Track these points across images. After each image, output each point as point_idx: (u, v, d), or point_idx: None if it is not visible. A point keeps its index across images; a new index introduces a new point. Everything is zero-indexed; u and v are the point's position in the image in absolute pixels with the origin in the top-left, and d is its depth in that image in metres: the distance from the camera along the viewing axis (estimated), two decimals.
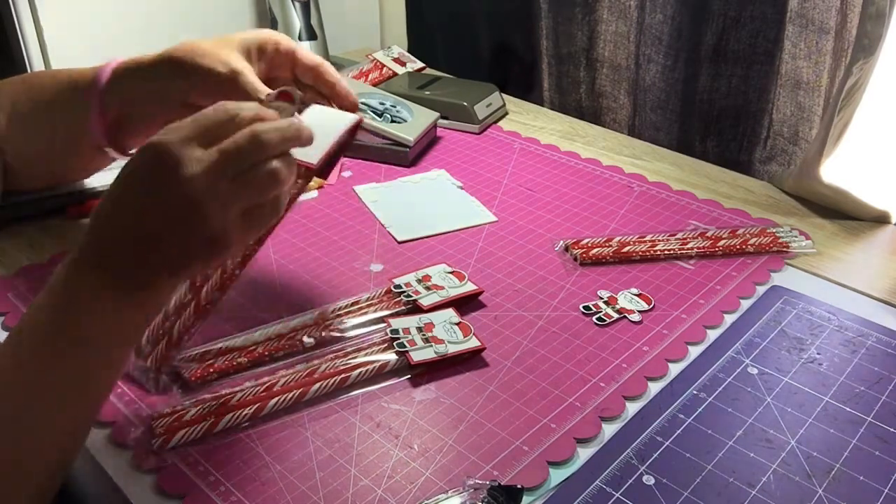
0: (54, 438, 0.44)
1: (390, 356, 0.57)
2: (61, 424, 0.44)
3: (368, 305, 0.64)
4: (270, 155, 0.46)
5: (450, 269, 0.67)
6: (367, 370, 0.56)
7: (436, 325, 0.60)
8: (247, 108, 0.47)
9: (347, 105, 0.63)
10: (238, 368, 0.57)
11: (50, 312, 0.45)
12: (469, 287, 0.65)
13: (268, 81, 0.62)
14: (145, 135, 0.68)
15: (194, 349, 0.58)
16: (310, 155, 0.51)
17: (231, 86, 0.60)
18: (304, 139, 0.49)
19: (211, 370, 0.56)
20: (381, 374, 0.56)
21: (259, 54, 0.64)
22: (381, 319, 0.61)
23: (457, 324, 0.60)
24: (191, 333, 0.56)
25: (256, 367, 0.57)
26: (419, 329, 0.59)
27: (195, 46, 0.62)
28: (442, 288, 0.65)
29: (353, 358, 0.57)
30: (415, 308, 0.63)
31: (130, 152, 0.70)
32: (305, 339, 0.59)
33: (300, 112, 0.54)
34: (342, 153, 0.59)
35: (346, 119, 0.56)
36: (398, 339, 0.58)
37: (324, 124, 0.53)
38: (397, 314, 0.62)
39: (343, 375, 0.55)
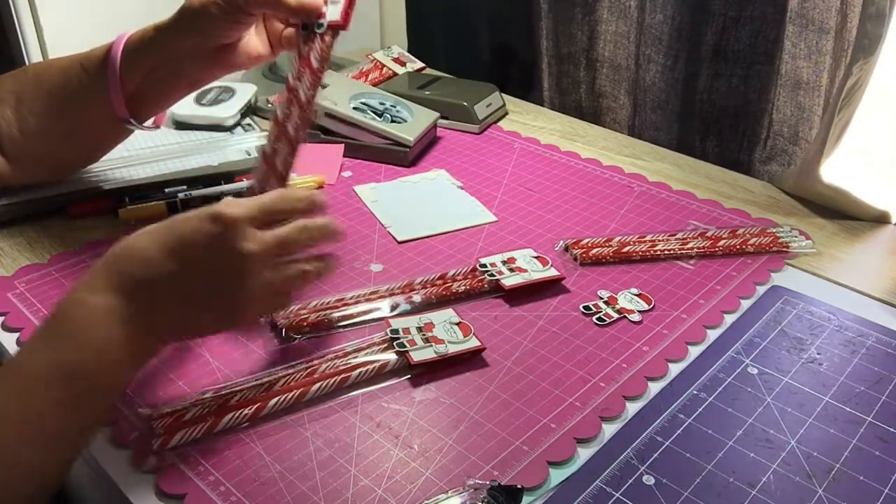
0: (35, 469, 0.44)
1: (390, 356, 0.57)
2: (48, 454, 0.45)
3: (454, 280, 0.66)
4: (312, 247, 0.54)
5: (535, 254, 0.69)
6: (367, 370, 0.56)
7: (436, 325, 0.60)
8: (304, 201, 0.53)
9: None
10: (329, 325, 0.61)
11: (56, 341, 0.46)
12: (552, 272, 0.67)
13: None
14: (167, 103, 0.71)
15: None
16: (332, 13, 0.63)
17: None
18: (338, 237, 0.55)
19: (304, 324, 0.60)
20: (381, 374, 0.56)
21: None
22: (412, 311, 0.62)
23: (457, 324, 0.60)
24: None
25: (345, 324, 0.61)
26: (419, 329, 0.59)
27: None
28: (525, 271, 0.66)
29: (353, 358, 0.57)
30: (496, 288, 0.66)
31: (147, 124, 0.72)
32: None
33: None
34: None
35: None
36: (398, 339, 0.58)
37: None
38: (480, 294, 0.66)
39: (343, 376, 0.55)
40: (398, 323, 0.60)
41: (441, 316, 0.61)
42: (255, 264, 0.49)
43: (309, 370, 0.56)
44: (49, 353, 0.45)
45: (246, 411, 0.52)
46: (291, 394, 0.54)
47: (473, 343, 0.58)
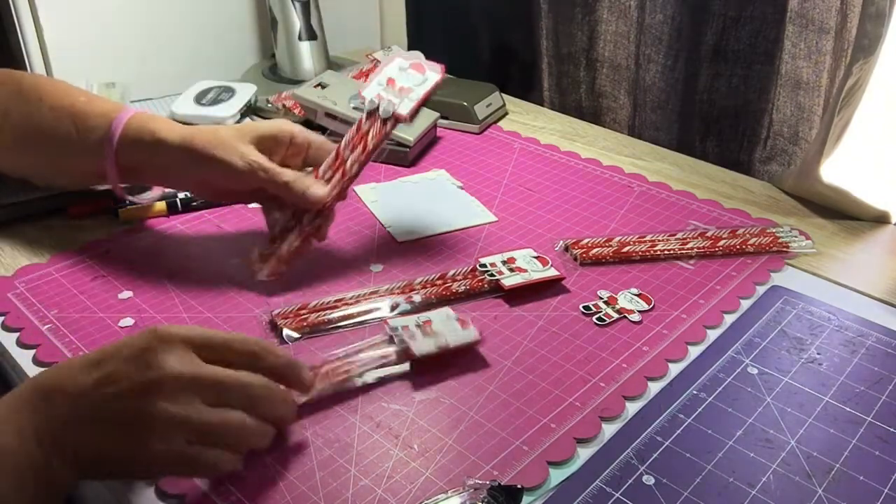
0: None
1: (389, 350, 0.57)
2: None
3: (454, 280, 0.66)
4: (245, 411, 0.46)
5: (535, 254, 0.69)
6: (367, 364, 0.56)
7: (434, 321, 0.60)
8: (265, 354, 0.48)
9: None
10: (328, 324, 0.61)
11: None
12: (551, 272, 0.67)
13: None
14: (160, 186, 0.71)
15: (288, 306, 0.63)
16: (402, 107, 0.68)
17: (250, 177, 0.63)
18: (284, 420, 0.50)
19: (304, 324, 0.60)
20: (381, 367, 0.57)
21: (274, 145, 0.66)
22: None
23: (455, 319, 0.60)
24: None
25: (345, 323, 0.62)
26: (418, 326, 0.59)
27: (212, 138, 0.64)
28: (525, 271, 0.66)
29: (355, 354, 0.57)
30: (496, 288, 0.65)
31: (141, 196, 0.72)
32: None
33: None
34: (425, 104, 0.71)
35: (433, 77, 0.71)
36: (398, 335, 0.58)
37: (411, 79, 0.70)
38: (480, 294, 0.65)
39: (343, 377, 0.55)
40: (397, 321, 0.60)
41: (438, 314, 0.61)
42: (170, 388, 0.43)
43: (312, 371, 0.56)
44: None
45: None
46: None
47: (472, 334, 0.58)
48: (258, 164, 0.63)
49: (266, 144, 0.65)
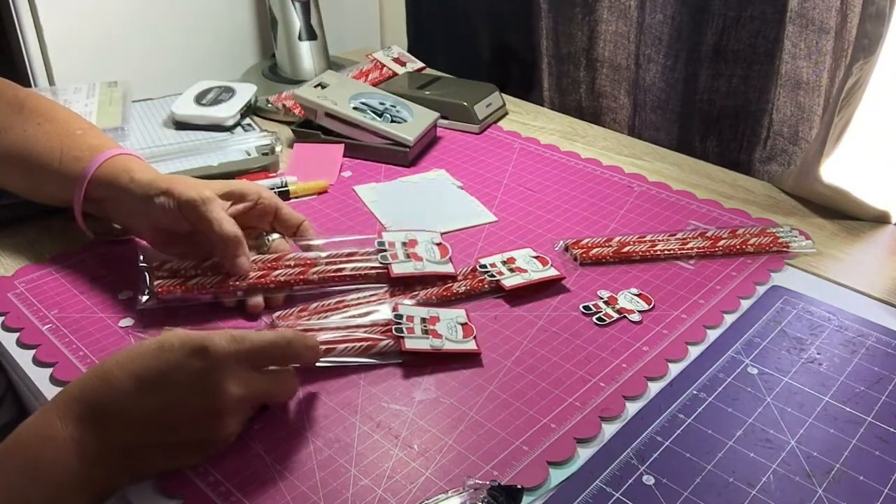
0: None
1: (384, 338, 0.58)
2: None
3: (454, 281, 0.66)
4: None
5: (535, 254, 0.69)
6: (355, 346, 0.57)
7: (441, 320, 0.60)
8: (306, 351, 0.52)
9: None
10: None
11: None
12: (551, 272, 0.67)
13: (245, 229, 0.64)
14: (120, 225, 0.70)
15: (289, 309, 0.63)
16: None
17: (196, 213, 0.61)
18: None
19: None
20: (370, 353, 0.57)
21: (240, 199, 0.65)
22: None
23: (462, 324, 0.60)
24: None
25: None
26: (423, 320, 0.59)
27: (180, 179, 0.63)
28: (525, 271, 0.67)
29: (353, 332, 0.58)
30: (497, 288, 0.66)
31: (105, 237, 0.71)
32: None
33: None
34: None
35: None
36: (399, 324, 0.58)
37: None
38: (480, 294, 0.66)
39: (329, 347, 0.56)
40: (406, 309, 0.60)
41: (449, 313, 0.61)
42: (232, 409, 0.47)
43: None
44: (2, 486, 0.42)
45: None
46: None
47: (470, 345, 0.58)
48: (210, 200, 0.61)
49: (233, 197, 0.65)
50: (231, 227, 0.62)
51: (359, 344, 0.57)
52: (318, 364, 0.55)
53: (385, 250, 0.66)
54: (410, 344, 0.57)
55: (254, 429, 0.52)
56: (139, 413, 0.45)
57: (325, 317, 0.61)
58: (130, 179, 0.64)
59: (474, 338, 0.59)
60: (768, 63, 0.87)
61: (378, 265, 0.66)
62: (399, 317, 0.59)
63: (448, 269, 0.67)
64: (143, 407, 0.45)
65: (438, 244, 0.68)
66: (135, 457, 0.46)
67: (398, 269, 0.65)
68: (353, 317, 0.61)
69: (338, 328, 0.58)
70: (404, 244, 0.67)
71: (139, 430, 0.45)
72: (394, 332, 0.58)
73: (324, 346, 0.55)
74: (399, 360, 0.58)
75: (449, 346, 0.58)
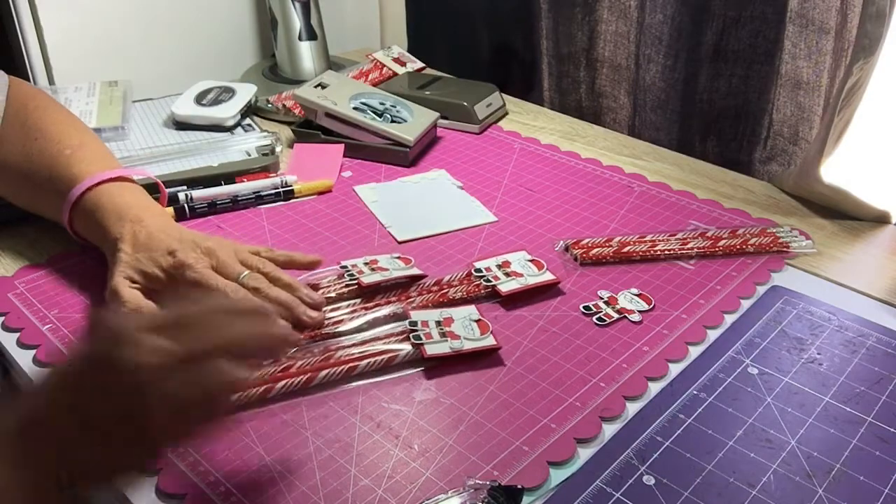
0: None
1: (404, 346, 0.57)
2: None
3: (450, 286, 0.65)
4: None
5: (530, 257, 0.69)
6: (377, 360, 0.56)
7: (455, 320, 0.60)
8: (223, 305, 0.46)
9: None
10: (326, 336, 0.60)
11: None
12: (547, 276, 0.66)
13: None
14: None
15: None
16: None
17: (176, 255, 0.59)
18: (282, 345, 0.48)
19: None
20: (392, 365, 0.57)
21: (207, 254, 0.61)
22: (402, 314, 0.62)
23: (476, 321, 0.60)
24: None
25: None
26: (438, 323, 0.59)
27: (147, 233, 0.61)
28: (521, 275, 0.66)
29: (370, 346, 0.57)
30: (493, 293, 0.65)
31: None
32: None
33: None
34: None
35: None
36: (416, 331, 0.58)
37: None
38: (477, 299, 0.64)
39: (351, 365, 0.56)
40: (418, 315, 0.60)
41: (462, 312, 0.61)
42: (154, 377, 0.40)
43: (325, 356, 0.56)
44: None
45: (254, 391, 0.53)
46: (299, 378, 0.54)
47: (489, 341, 0.58)
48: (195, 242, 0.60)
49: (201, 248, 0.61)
50: (252, 302, 0.56)
51: (380, 358, 0.56)
52: (344, 387, 0.55)
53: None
54: (431, 349, 0.57)
55: (252, 430, 0.52)
56: (57, 406, 0.41)
57: (336, 328, 0.60)
58: (103, 236, 0.62)
59: (491, 332, 0.59)
60: (768, 63, 0.87)
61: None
62: (414, 323, 0.59)
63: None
64: (59, 397, 0.41)
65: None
66: (70, 456, 0.41)
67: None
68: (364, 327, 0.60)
69: (353, 345, 0.58)
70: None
71: (63, 425, 0.41)
72: (412, 339, 0.57)
73: (346, 366, 0.55)
74: (421, 367, 0.57)
75: (468, 345, 0.58)
